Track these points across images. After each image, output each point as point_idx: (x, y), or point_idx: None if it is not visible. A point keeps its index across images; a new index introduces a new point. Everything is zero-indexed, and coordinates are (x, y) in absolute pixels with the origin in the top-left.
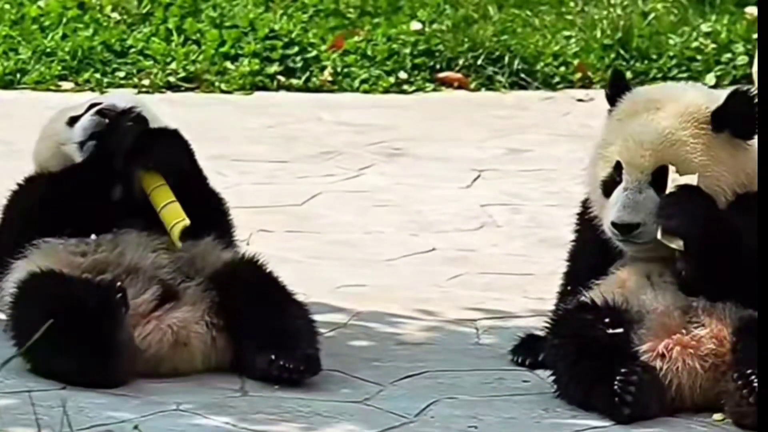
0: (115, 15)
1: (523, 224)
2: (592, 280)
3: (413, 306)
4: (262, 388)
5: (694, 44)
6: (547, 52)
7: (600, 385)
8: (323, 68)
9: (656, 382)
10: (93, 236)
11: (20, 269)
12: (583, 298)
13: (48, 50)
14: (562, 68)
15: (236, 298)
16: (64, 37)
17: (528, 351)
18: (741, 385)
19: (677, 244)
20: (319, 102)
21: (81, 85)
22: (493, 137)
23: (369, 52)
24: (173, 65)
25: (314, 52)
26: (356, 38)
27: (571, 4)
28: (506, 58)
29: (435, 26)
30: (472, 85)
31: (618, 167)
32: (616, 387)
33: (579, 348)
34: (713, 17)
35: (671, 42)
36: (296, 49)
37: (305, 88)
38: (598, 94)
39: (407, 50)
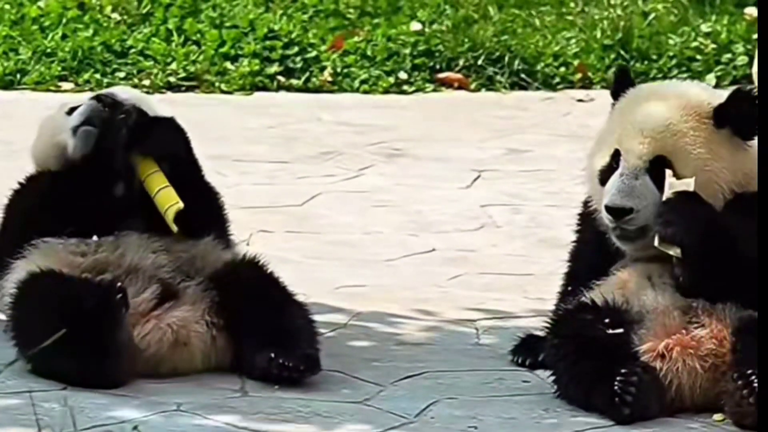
0: (115, 15)
1: (523, 224)
2: (593, 280)
3: (413, 306)
4: (262, 388)
5: (694, 44)
6: (547, 53)
7: (600, 385)
8: (323, 68)
9: (656, 382)
10: (95, 237)
11: (20, 269)
12: (583, 298)
13: (48, 50)
14: (562, 68)
15: (236, 297)
16: (64, 37)
17: (528, 351)
18: (741, 385)
19: (675, 252)
20: (319, 102)
21: (81, 85)
22: (493, 137)
23: (369, 53)
24: (173, 65)
25: (314, 53)
26: (356, 38)
27: (571, 4)
28: (506, 59)
29: (435, 26)
30: (472, 86)
31: (616, 155)
32: (616, 387)
33: (579, 348)
34: (713, 17)
35: (671, 42)
36: (296, 49)
37: (305, 89)
38: (598, 95)
39: (407, 50)
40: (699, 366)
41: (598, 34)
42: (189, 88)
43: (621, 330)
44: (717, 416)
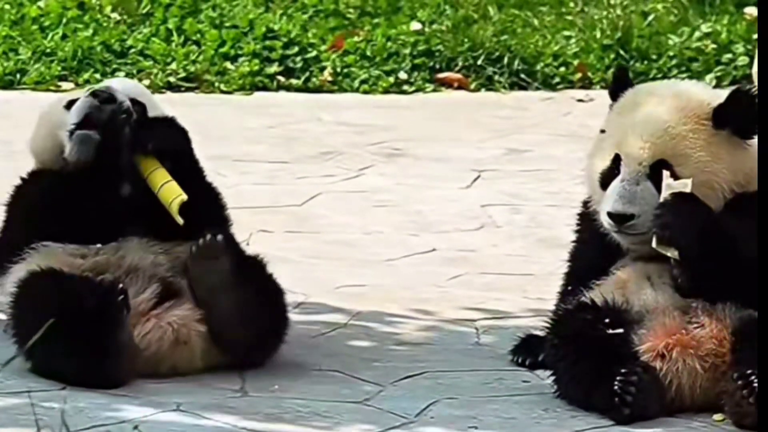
0: (115, 15)
1: (523, 224)
2: (593, 280)
3: (413, 306)
4: (262, 388)
5: (694, 44)
6: (547, 53)
7: (600, 385)
8: (323, 68)
9: (656, 382)
10: (98, 245)
11: (19, 270)
12: (583, 298)
13: (48, 50)
14: (562, 68)
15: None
16: (64, 37)
17: (528, 351)
18: (741, 385)
19: (672, 253)
20: (319, 102)
21: (81, 85)
22: (493, 137)
23: (369, 53)
24: (173, 65)
25: (314, 53)
26: (356, 38)
27: (571, 4)
28: (506, 59)
29: (435, 26)
30: (472, 86)
31: (616, 160)
32: (616, 387)
33: (579, 348)
34: (713, 17)
35: (671, 42)
36: (296, 49)
37: (305, 89)
38: (598, 95)
39: (407, 50)
40: (699, 366)
41: (598, 34)
42: (189, 88)
43: (621, 330)
44: (717, 416)
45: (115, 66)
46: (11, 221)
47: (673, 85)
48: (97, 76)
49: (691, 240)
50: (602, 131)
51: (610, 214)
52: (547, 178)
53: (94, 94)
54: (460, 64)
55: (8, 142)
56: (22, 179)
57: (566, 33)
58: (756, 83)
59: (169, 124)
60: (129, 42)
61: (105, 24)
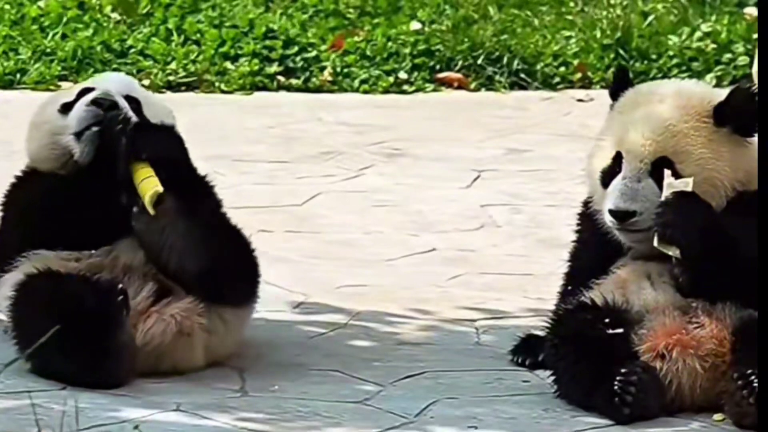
0: (115, 15)
1: (522, 224)
2: (593, 279)
3: (413, 306)
4: (262, 388)
5: (694, 44)
6: (547, 52)
7: (600, 385)
8: (323, 68)
9: (656, 382)
10: (93, 251)
11: (13, 276)
12: (583, 298)
13: (48, 50)
14: (562, 68)
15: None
16: (64, 37)
17: (528, 351)
18: (741, 385)
19: (673, 252)
20: (319, 102)
21: None
22: (492, 137)
23: (369, 52)
24: (173, 65)
25: (314, 52)
26: (356, 38)
27: (571, 4)
28: (506, 58)
29: (435, 26)
30: (472, 86)
31: (617, 158)
32: (616, 387)
33: (579, 348)
34: (713, 17)
35: (671, 42)
36: (296, 49)
37: (305, 88)
38: (598, 94)
39: (407, 50)
40: (699, 366)
41: (598, 34)
42: (189, 88)
43: (621, 330)
44: (717, 416)
45: (115, 66)
46: (5, 226)
47: (674, 84)
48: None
49: (693, 239)
50: (602, 130)
51: (611, 211)
52: (547, 178)
53: (96, 102)
54: (460, 63)
55: (8, 142)
56: (16, 181)
57: (566, 33)
58: (756, 83)
59: (165, 132)
60: (129, 42)
61: (105, 24)
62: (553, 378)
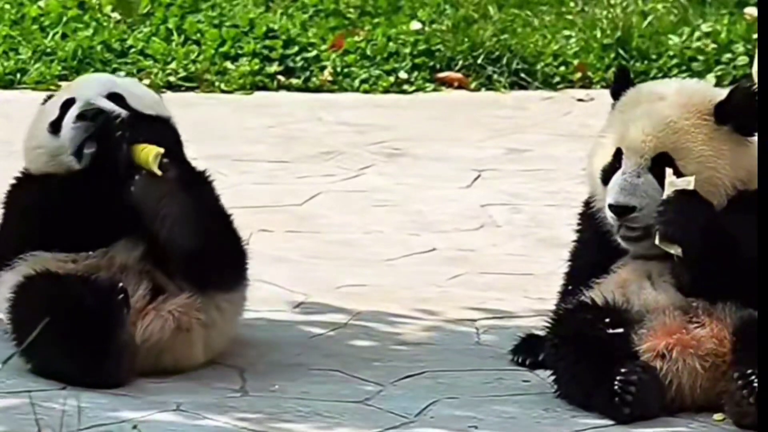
0: (115, 15)
1: (523, 224)
2: (593, 279)
3: (413, 306)
4: (262, 388)
5: (694, 44)
6: (547, 52)
7: (600, 385)
8: (323, 68)
9: (656, 382)
10: (90, 253)
11: (10, 278)
12: (583, 297)
13: (48, 50)
14: (562, 68)
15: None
16: (64, 36)
17: (528, 351)
18: (741, 385)
19: (675, 250)
20: (319, 102)
21: None
22: (492, 137)
23: (369, 52)
24: (173, 65)
25: (314, 52)
26: (356, 38)
27: (571, 4)
28: (506, 58)
29: (435, 26)
30: (472, 85)
31: (618, 155)
32: (616, 387)
33: (579, 348)
34: (713, 17)
35: (671, 42)
36: (296, 48)
37: (305, 88)
38: (598, 94)
39: (407, 50)
40: (699, 365)
41: (598, 34)
42: (189, 88)
43: (621, 329)
44: (717, 416)
45: (115, 65)
46: (4, 226)
47: (676, 82)
48: None
49: (694, 237)
50: (603, 128)
51: (611, 206)
52: (547, 178)
53: (81, 117)
54: (460, 63)
55: (8, 142)
56: (16, 182)
57: (566, 32)
58: (756, 83)
59: (160, 122)
60: (129, 41)
61: (105, 23)
62: (553, 378)
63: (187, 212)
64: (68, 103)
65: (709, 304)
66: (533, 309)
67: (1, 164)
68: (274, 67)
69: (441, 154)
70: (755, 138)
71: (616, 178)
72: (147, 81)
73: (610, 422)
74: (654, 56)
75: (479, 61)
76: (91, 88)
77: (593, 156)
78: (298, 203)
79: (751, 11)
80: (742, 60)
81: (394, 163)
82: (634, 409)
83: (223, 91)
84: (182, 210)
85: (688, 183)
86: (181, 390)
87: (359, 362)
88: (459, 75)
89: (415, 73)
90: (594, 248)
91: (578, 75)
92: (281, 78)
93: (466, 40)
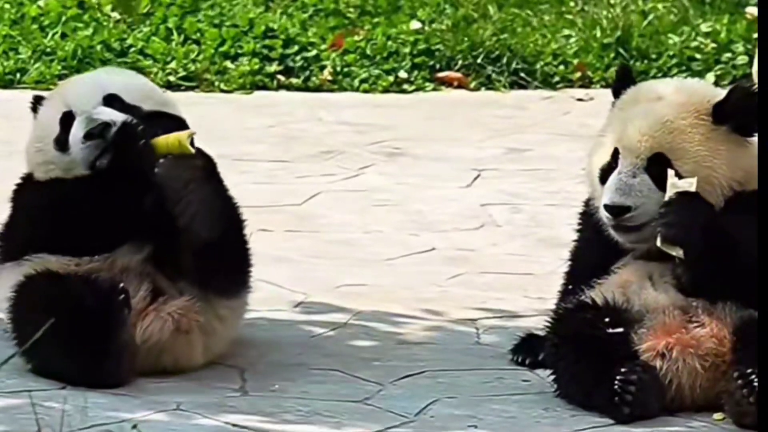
0: (115, 14)
1: (523, 224)
2: (594, 279)
3: (413, 305)
4: (262, 388)
5: (694, 44)
6: (546, 52)
7: (600, 385)
8: (323, 68)
9: (656, 382)
10: (96, 257)
11: (14, 276)
12: (583, 297)
13: (48, 50)
14: (562, 68)
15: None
16: (63, 36)
17: (528, 351)
18: (741, 385)
19: (677, 252)
20: (319, 101)
21: None
22: (492, 137)
23: (369, 52)
24: (173, 65)
25: (314, 52)
26: (356, 37)
27: (571, 3)
28: (506, 58)
29: (435, 25)
30: (472, 85)
31: (615, 154)
32: (616, 387)
33: (579, 347)
34: (713, 17)
35: (671, 42)
36: (296, 48)
37: (305, 88)
38: (598, 94)
39: (407, 50)
40: (699, 365)
41: (598, 33)
42: (189, 87)
43: (621, 329)
44: (717, 415)
45: (114, 65)
46: (10, 226)
47: (675, 81)
48: None
49: (696, 239)
50: (602, 127)
51: (606, 206)
52: (547, 178)
53: (89, 136)
54: (460, 63)
55: (8, 142)
56: (22, 183)
57: (566, 32)
58: (756, 83)
59: (174, 118)
60: (129, 41)
61: (105, 23)
62: (553, 377)
63: (212, 201)
64: (67, 117)
65: (709, 303)
66: (533, 309)
67: (1, 164)
68: (273, 67)
69: (441, 153)
70: (754, 139)
71: (612, 178)
72: None
73: (610, 422)
74: (654, 56)
75: (479, 60)
76: (85, 97)
77: (592, 155)
78: (298, 203)
79: (751, 11)
80: (742, 60)
81: (394, 163)
82: (634, 409)
83: (222, 91)
84: (208, 198)
85: (690, 185)
86: (181, 390)
87: (359, 362)
88: (459, 75)
89: (415, 73)
90: (594, 248)
91: (578, 75)
92: (281, 77)
93: (465, 39)
